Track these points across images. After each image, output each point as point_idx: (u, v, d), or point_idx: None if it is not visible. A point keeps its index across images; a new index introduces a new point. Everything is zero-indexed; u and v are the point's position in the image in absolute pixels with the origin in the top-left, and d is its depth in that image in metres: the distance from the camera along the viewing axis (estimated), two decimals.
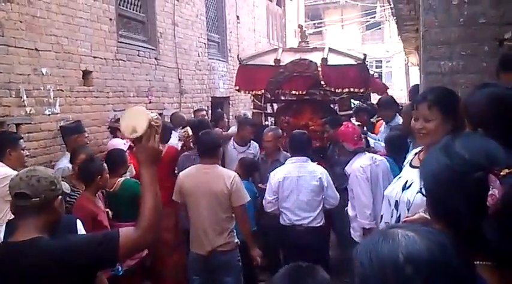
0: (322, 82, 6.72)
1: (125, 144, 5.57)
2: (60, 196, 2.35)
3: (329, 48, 7.26)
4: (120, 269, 4.25)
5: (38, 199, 2.22)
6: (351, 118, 7.28)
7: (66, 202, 4.25)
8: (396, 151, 4.99)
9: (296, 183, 4.87)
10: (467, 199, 1.16)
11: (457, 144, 1.26)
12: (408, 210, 2.46)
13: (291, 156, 5.08)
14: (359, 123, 7.04)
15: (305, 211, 4.87)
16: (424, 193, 1.34)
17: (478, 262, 1.15)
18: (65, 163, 5.04)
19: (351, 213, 4.90)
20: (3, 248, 2.28)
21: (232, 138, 6.42)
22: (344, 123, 5.58)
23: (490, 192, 1.13)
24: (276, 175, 4.93)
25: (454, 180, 1.20)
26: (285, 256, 5.20)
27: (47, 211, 2.26)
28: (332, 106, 7.28)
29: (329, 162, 5.97)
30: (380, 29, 26.48)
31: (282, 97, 7.40)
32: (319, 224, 4.90)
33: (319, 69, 6.72)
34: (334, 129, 5.90)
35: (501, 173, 1.14)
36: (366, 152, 5.01)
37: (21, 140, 4.43)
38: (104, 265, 2.31)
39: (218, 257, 4.36)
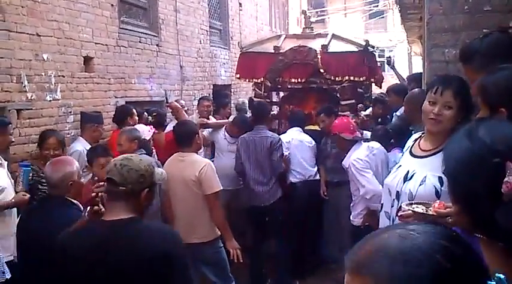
0: (322, 70, 6.61)
1: (149, 130, 5.67)
2: (147, 188, 2.49)
3: (332, 34, 7.10)
4: None
5: (125, 188, 2.41)
6: (361, 109, 7.17)
7: (38, 189, 4.29)
8: (400, 141, 5.00)
9: (301, 145, 5.95)
10: (485, 184, 1.16)
11: (481, 129, 1.25)
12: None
13: (290, 128, 6.19)
14: (372, 115, 6.90)
15: (311, 167, 5.96)
16: (445, 175, 1.33)
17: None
18: (80, 146, 5.30)
19: (352, 202, 5.00)
20: (99, 225, 2.45)
21: (225, 127, 6.33)
22: (340, 116, 5.65)
23: (505, 179, 1.12)
24: (284, 138, 5.91)
25: (474, 164, 1.20)
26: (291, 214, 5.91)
27: (133, 199, 2.44)
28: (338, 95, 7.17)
29: (322, 154, 5.96)
30: (383, 17, 26.34)
31: (286, 86, 7.27)
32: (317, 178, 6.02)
33: (319, 56, 6.61)
34: (331, 116, 5.88)
35: None
36: (363, 142, 5.03)
37: (11, 125, 4.47)
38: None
39: (193, 247, 4.29)
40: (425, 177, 2.37)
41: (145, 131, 5.59)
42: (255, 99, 7.26)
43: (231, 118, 6.96)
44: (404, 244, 0.87)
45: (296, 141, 5.94)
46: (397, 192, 2.53)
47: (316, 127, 6.25)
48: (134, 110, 6.08)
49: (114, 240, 2.33)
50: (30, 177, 4.30)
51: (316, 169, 5.99)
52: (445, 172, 1.31)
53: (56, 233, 3.05)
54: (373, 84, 7.65)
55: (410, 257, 0.85)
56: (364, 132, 5.67)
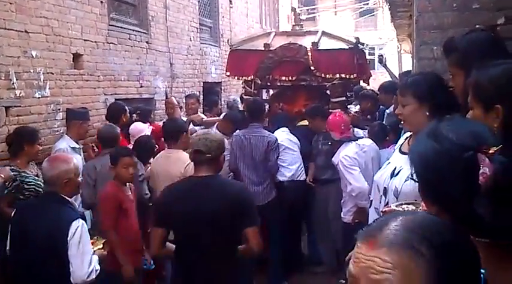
0: (312, 68, 6.58)
1: (148, 127, 5.82)
2: (223, 153, 3.30)
3: (322, 31, 7.03)
4: (152, 263, 4.42)
5: (209, 155, 3.14)
6: (351, 105, 7.15)
7: (25, 189, 4.25)
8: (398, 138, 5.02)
9: (291, 144, 5.84)
10: (459, 181, 1.16)
11: (443, 128, 1.26)
12: (397, 198, 2.43)
13: (277, 128, 5.99)
14: (361, 111, 6.88)
15: (300, 167, 5.82)
16: (415, 179, 1.33)
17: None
18: (64, 144, 5.22)
19: (343, 198, 5.03)
20: (191, 180, 3.30)
21: (216, 125, 6.32)
22: (333, 112, 5.61)
23: (481, 171, 1.13)
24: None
25: (443, 163, 1.20)
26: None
27: (214, 162, 3.19)
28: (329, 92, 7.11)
29: (313, 151, 5.94)
30: (373, 15, 26.38)
31: (276, 83, 7.20)
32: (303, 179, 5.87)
33: (309, 53, 6.58)
34: (315, 118, 5.87)
35: (490, 151, 1.14)
36: (352, 141, 5.03)
37: None
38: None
39: None
40: (411, 173, 2.38)
41: (145, 129, 5.73)
42: (244, 97, 7.25)
43: (222, 116, 6.96)
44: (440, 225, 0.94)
45: (286, 140, 5.84)
46: (384, 188, 2.55)
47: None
48: (126, 107, 6.07)
49: (205, 188, 3.11)
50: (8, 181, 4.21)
51: (302, 169, 5.89)
52: (416, 176, 1.32)
53: (48, 230, 3.06)
54: (361, 81, 7.64)
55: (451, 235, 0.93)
56: (356, 130, 5.65)
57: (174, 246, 3.27)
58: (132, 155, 4.31)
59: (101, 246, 3.54)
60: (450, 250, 0.90)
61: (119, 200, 4.11)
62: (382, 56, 9.48)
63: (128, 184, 4.29)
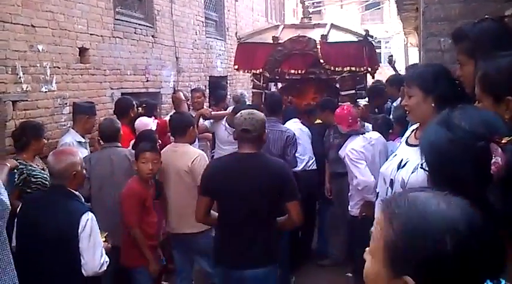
0: (322, 61, 6.54)
1: (153, 122, 5.84)
2: (266, 131, 3.53)
3: (331, 24, 6.99)
4: (164, 259, 4.45)
5: (256, 133, 3.38)
6: (359, 99, 7.11)
7: (32, 183, 4.25)
8: (404, 131, 4.99)
9: (302, 133, 5.84)
10: (471, 170, 1.16)
11: (456, 117, 1.26)
12: (403, 189, 2.44)
13: (287, 120, 5.94)
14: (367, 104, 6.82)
15: (311, 157, 5.88)
16: (425, 168, 1.33)
17: None
18: (70, 139, 5.20)
19: (350, 192, 5.01)
20: (236, 156, 3.51)
21: (225, 118, 6.32)
22: (341, 105, 5.57)
23: (493, 160, 1.13)
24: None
25: (456, 152, 1.20)
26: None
27: (259, 140, 3.43)
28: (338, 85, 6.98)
29: (325, 145, 5.92)
30: (379, 8, 26.28)
31: (285, 76, 7.14)
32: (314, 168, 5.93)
33: (318, 46, 6.54)
34: (325, 111, 5.84)
35: (502, 141, 1.14)
36: (360, 134, 5.00)
37: None
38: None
39: (187, 237, 4.31)
40: (417, 164, 2.38)
41: (150, 123, 5.75)
42: (253, 90, 7.24)
43: (229, 110, 6.95)
44: (430, 208, 0.98)
45: (298, 130, 5.75)
46: (391, 179, 2.55)
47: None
48: (134, 102, 6.08)
49: (250, 164, 3.36)
50: (18, 173, 4.23)
51: (313, 158, 5.86)
52: (427, 164, 1.31)
53: (57, 223, 3.07)
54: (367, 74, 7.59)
55: (425, 221, 0.95)
56: (366, 124, 5.60)
57: (217, 214, 3.52)
58: (154, 151, 4.25)
59: (104, 239, 3.55)
60: (421, 237, 0.94)
61: (142, 197, 4.11)
62: (392, 56, 9.36)
63: (150, 181, 4.28)
